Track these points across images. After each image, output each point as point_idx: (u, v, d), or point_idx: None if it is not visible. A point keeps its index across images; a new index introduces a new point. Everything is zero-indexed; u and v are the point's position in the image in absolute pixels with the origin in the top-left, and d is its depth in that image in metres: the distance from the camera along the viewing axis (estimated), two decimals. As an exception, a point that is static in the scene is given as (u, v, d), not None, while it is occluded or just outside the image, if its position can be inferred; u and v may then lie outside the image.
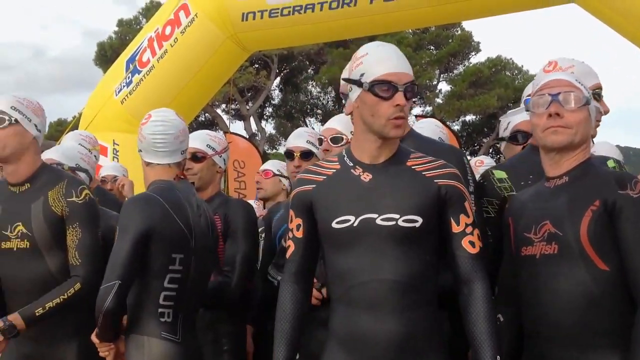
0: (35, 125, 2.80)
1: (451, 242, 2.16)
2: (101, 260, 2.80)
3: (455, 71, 25.91)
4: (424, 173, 2.17)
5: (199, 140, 3.17)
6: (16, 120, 2.74)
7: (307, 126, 25.40)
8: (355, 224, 2.12)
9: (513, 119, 3.07)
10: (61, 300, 2.68)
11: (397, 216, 2.10)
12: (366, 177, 2.17)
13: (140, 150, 2.72)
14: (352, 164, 2.21)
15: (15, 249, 2.76)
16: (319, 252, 2.31)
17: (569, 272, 2.06)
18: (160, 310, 2.54)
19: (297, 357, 2.39)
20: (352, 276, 2.13)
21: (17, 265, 2.77)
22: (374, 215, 2.11)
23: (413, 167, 2.18)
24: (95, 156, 3.93)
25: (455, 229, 2.15)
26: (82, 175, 3.37)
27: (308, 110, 28.62)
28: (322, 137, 3.02)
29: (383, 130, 2.16)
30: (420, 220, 2.11)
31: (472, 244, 2.15)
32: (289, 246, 2.30)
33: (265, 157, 12.58)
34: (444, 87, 26.02)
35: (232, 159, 10.48)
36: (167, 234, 2.54)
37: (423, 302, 2.13)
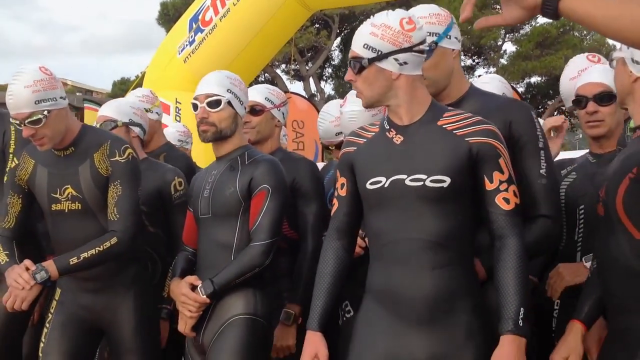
0: (62, 97, 2.82)
1: (485, 200, 2.16)
2: (139, 217, 2.88)
3: (521, 31, 25.21)
4: (455, 132, 2.16)
5: (257, 93, 3.13)
6: (49, 112, 2.73)
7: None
8: (386, 185, 2.17)
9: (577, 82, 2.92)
10: (96, 252, 2.74)
11: (424, 177, 2.12)
12: (398, 139, 2.21)
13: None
14: (388, 127, 2.25)
15: (66, 211, 2.84)
16: (362, 211, 2.34)
17: (612, 237, 2.01)
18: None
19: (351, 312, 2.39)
20: (385, 235, 2.17)
21: (70, 226, 2.85)
22: (403, 176, 2.15)
23: (444, 126, 2.18)
24: (157, 113, 3.96)
25: (489, 186, 2.14)
26: (136, 129, 3.39)
27: (368, 71, 28.32)
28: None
29: None
30: (448, 180, 2.11)
31: (507, 200, 2.14)
32: (334, 204, 2.36)
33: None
34: (509, 47, 25.41)
35: (290, 119, 10.52)
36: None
37: (455, 261, 2.14)
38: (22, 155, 2.92)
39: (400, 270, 2.13)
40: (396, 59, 2.15)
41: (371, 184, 2.19)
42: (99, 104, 10.81)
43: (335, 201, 2.35)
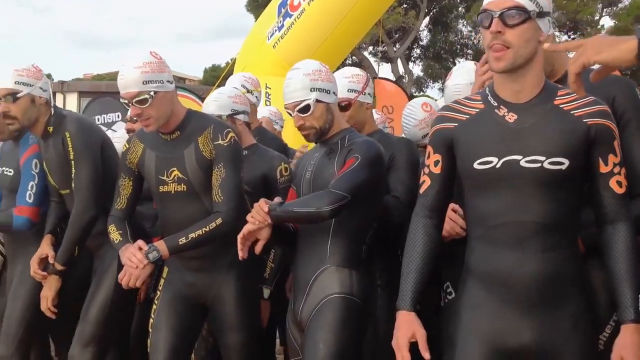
0: (169, 81, 2.92)
1: (597, 182, 2.09)
2: (242, 198, 2.96)
3: (619, 5, 24.09)
4: (572, 112, 2.08)
5: (339, 88, 3.07)
6: (155, 92, 2.85)
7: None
8: (497, 166, 2.08)
9: None
10: (203, 232, 2.85)
11: (542, 158, 2.04)
12: (511, 117, 2.11)
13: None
14: (496, 104, 2.14)
15: (173, 192, 2.96)
16: (453, 190, 2.29)
17: None
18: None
19: (452, 294, 2.35)
20: (494, 217, 2.10)
21: (176, 207, 2.98)
22: (518, 157, 2.06)
23: (561, 106, 2.09)
24: (256, 97, 4.08)
25: (603, 169, 2.07)
26: (240, 117, 3.48)
27: (458, 51, 27.81)
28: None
29: (490, 64, 2.11)
30: (567, 162, 2.04)
31: (619, 183, 2.08)
32: (423, 181, 2.29)
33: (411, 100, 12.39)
34: (606, 22, 24.35)
35: (380, 104, 10.46)
36: None
37: (566, 244, 2.09)
38: (132, 140, 3.07)
39: (510, 253, 2.08)
40: (549, 21, 2.07)
41: (480, 163, 2.10)
42: (191, 91, 11.13)
43: (426, 178, 2.28)
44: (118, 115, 10.12)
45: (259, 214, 2.61)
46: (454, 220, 2.53)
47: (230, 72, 8.65)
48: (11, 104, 3.19)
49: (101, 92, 16.71)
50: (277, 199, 2.67)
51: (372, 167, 2.68)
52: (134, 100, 2.83)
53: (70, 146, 3.19)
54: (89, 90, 20.64)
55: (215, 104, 3.45)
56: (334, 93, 2.84)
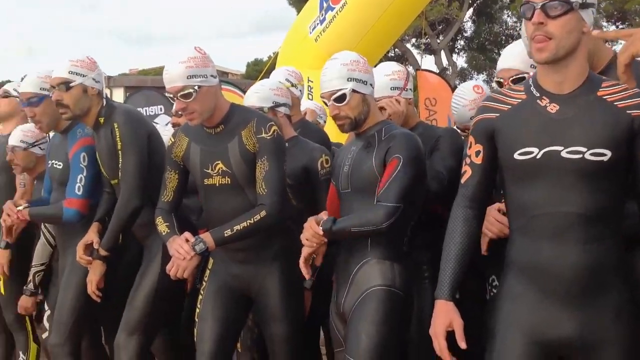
0: (212, 76, 2.97)
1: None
2: (285, 191, 3.01)
3: (670, -7, 23.40)
4: (616, 103, 2.05)
5: (380, 87, 3.11)
6: (199, 87, 2.90)
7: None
8: (538, 156, 2.07)
9: None
10: (248, 224, 2.90)
11: (584, 149, 2.03)
12: (553, 108, 2.09)
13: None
14: (538, 94, 2.13)
15: (217, 185, 3.02)
16: (495, 180, 2.28)
17: None
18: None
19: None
20: (534, 208, 2.09)
21: (220, 199, 3.03)
22: (559, 148, 2.05)
23: (604, 97, 2.07)
24: (300, 90, 4.10)
25: None
26: (281, 109, 3.51)
27: (503, 42, 27.39)
28: (501, 80, 2.85)
29: (532, 55, 2.10)
30: (609, 153, 2.02)
31: None
32: (464, 171, 2.29)
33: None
34: (656, 11, 23.62)
35: (423, 96, 10.37)
36: None
37: (608, 235, 2.07)
38: (177, 134, 3.13)
39: (551, 244, 2.07)
40: (593, 12, 2.06)
41: (520, 154, 2.10)
42: (235, 85, 11.23)
43: (467, 168, 2.28)
44: (160, 109, 10.29)
45: (314, 238, 2.68)
46: (499, 221, 2.52)
47: (272, 66, 8.72)
48: (64, 92, 3.31)
49: (147, 87, 16.94)
50: (324, 215, 2.73)
51: (414, 166, 2.70)
52: (178, 95, 2.89)
53: (118, 137, 3.28)
54: (134, 84, 20.90)
55: (257, 96, 3.48)
56: (370, 85, 2.86)
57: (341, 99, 2.79)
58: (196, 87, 2.89)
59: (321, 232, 2.67)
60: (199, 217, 3.57)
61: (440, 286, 2.22)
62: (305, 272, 2.77)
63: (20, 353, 4.28)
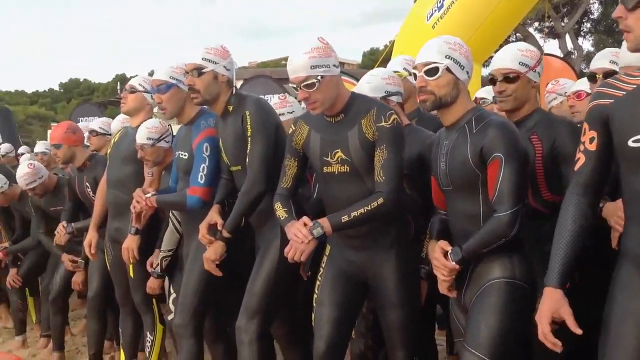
0: (334, 66, 2.98)
1: None
2: (402, 179, 2.99)
3: None
4: None
5: (510, 58, 3.02)
6: (322, 77, 2.93)
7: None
8: None
9: None
10: (365, 211, 2.91)
11: None
12: None
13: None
14: None
15: (336, 173, 3.06)
16: (611, 168, 2.19)
17: None
18: None
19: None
20: None
21: (339, 187, 3.07)
22: None
23: None
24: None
25: None
26: (393, 98, 3.48)
27: (632, 23, 25.90)
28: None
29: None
30: None
31: None
32: (578, 158, 2.23)
33: (581, 77, 11.75)
34: None
35: (544, 81, 9.96)
36: None
37: None
38: (298, 122, 3.19)
39: None
40: None
41: (634, 141, 2.01)
42: (351, 75, 11.28)
43: (581, 155, 2.21)
44: (270, 98, 10.49)
45: (452, 272, 2.67)
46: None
47: (388, 55, 8.67)
48: (196, 78, 3.48)
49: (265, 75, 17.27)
50: (445, 245, 2.69)
51: (517, 161, 2.58)
52: (302, 85, 2.94)
53: (248, 124, 3.39)
54: (253, 77, 21.47)
55: (369, 86, 3.47)
56: (467, 72, 2.76)
57: (432, 72, 2.71)
58: (319, 77, 2.93)
59: (455, 266, 2.65)
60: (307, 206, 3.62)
61: (550, 274, 2.19)
62: (453, 295, 2.78)
63: (148, 333, 4.52)
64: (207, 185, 3.63)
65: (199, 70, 3.46)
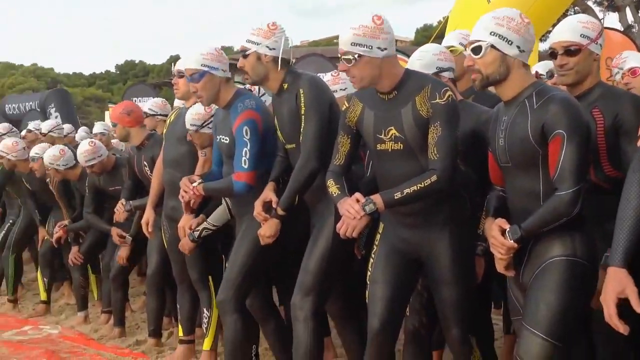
0: (379, 48, 2.93)
1: None
2: (456, 156, 2.96)
3: None
4: None
5: (571, 31, 2.93)
6: (360, 55, 2.92)
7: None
8: None
9: None
10: (418, 188, 2.89)
11: None
12: None
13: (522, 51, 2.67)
14: None
15: (389, 150, 3.04)
16: None
17: None
18: None
19: None
20: None
21: (392, 165, 3.05)
22: None
23: None
24: None
25: None
26: (445, 74, 3.43)
27: (698, -7, 24.87)
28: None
29: None
30: None
31: None
32: None
33: (644, 50, 11.33)
34: None
35: (604, 56, 9.65)
36: None
37: None
38: (352, 99, 3.18)
39: None
40: None
41: None
42: (403, 52, 11.14)
43: None
44: (323, 76, 10.42)
45: (510, 250, 2.61)
46: None
47: (442, 31, 8.53)
48: (244, 60, 3.53)
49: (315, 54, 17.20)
50: (503, 224, 2.63)
51: (580, 137, 2.51)
52: (342, 57, 2.97)
53: (302, 102, 3.40)
54: (305, 55, 21.45)
55: (420, 62, 3.43)
56: (518, 47, 2.64)
57: (477, 50, 2.66)
58: (356, 56, 2.93)
59: (513, 244, 2.60)
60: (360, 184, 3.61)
61: (613, 253, 2.15)
62: (511, 274, 2.74)
63: (204, 310, 4.60)
64: (251, 170, 3.63)
65: (243, 53, 3.52)
